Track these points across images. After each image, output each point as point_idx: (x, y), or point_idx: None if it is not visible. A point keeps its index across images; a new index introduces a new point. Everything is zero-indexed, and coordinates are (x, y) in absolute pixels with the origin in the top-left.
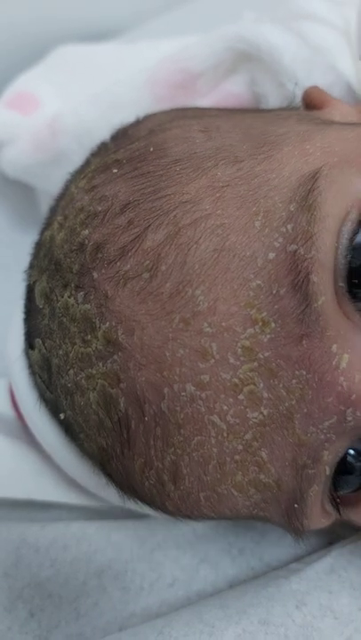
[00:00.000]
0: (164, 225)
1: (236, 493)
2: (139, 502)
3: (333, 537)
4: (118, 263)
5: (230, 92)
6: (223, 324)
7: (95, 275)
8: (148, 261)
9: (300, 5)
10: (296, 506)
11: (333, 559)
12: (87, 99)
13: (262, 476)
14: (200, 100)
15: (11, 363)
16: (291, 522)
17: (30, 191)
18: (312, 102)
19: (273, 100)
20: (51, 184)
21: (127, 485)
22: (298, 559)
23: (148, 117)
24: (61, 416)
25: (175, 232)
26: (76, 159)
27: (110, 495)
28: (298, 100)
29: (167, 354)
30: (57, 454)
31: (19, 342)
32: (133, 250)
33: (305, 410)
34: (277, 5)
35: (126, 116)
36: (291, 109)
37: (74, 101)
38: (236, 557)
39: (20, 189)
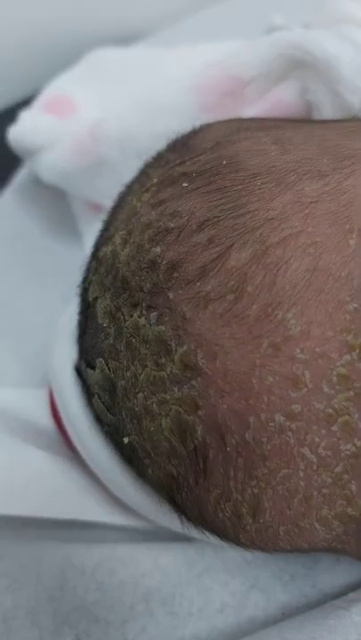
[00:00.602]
0: (250, 243)
1: (318, 527)
2: (205, 532)
3: None
4: (198, 283)
5: (280, 99)
6: (317, 349)
7: (171, 295)
8: (232, 282)
9: (338, 9)
10: None
11: None
12: (131, 105)
13: (349, 510)
14: (248, 108)
15: (57, 377)
16: None
17: (62, 197)
18: None
19: (327, 109)
20: (89, 190)
21: (196, 516)
22: (354, 588)
23: (206, 127)
24: (125, 440)
25: (263, 251)
26: (118, 167)
27: (166, 520)
28: (359, 110)
29: (254, 381)
30: (108, 476)
31: (67, 357)
32: (216, 270)
33: None
34: (310, 8)
35: (172, 123)
36: (357, 121)
37: (115, 106)
38: (288, 583)
39: (54, 195)
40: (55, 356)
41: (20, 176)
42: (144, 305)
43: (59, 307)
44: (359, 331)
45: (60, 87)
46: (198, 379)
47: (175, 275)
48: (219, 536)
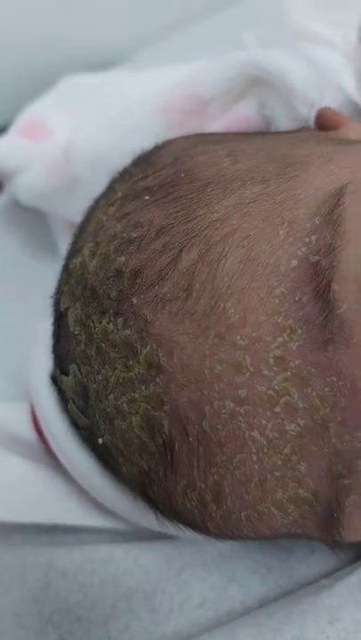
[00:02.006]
0: (197, 244)
1: (275, 511)
2: (178, 524)
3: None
4: (156, 287)
5: (241, 115)
6: (254, 334)
7: (135, 300)
8: (183, 281)
9: (302, 27)
10: (335, 515)
11: None
12: (100, 125)
13: (301, 491)
14: (211, 124)
15: (35, 388)
16: (329, 534)
17: (42, 217)
18: (327, 123)
19: (283, 122)
20: (65, 210)
21: (168, 508)
22: (327, 575)
23: (168, 143)
24: (100, 441)
25: (206, 250)
26: (91, 186)
27: (143, 518)
28: (311, 123)
29: (206, 371)
30: (86, 479)
31: (43, 368)
32: (170, 272)
33: (339, 418)
34: (277, 28)
35: (140, 142)
36: (307, 131)
37: (87, 129)
38: (265, 576)
39: (32, 215)
40: (33, 367)
41: (0, 199)
42: (111, 311)
43: (39, 322)
44: (288, 312)
45: (35, 112)
46: (161, 375)
47: (138, 281)
48: (190, 526)
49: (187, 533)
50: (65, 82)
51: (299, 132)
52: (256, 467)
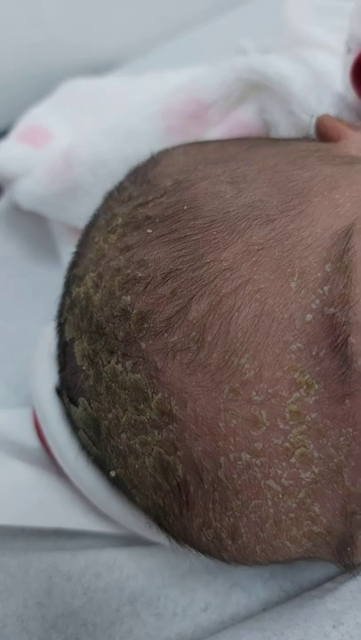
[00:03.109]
0: (207, 295)
1: (290, 545)
2: (192, 551)
3: None
4: (165, 335)
5: (240, 120)
6: (270, 390)
7: (143, 345)
8: (194, 333)
9: (300, 31)
10: (348, 549)
11: None
12: (101, 130)
13: (315, 528)
14: (211, 129)
15: (39, 399)
16: (342, 560)
17: (42, 222)
18: (327, 133)
19: (283, 127)
20: (66, 215)
21: (183, 538)
22: (330, 579)
23: (165, 157)
24: (112, 473)
25: (217, 302)
26: (92, 190)
27: (152, 535)
28: (311, 129)
29: (221, 425)
30: (94, 496)
31: (46, 378)
32: (179, 321)
33: (353, 464)
34: (275, 33)
35: (140, 147)
36: (308, 142)
37: (87, 133)
38: (268, 580)
39: (33, 220)
40: (35, 376)
41: (0, 204)
42: (120, 353)
43: (39, 328)
44: (305, 368)
45: (35, 118)
46: (174, 424)
47: (145, 325)
48: (204, 554)
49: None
50: (65, 87)
51: (300, 144)
52: (271, 510)
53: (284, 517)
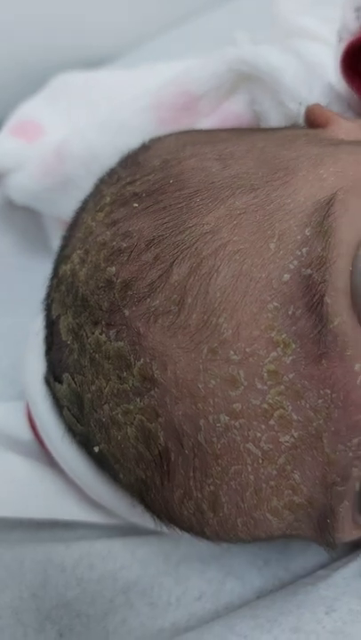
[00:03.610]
0: (188, 258)
1: (271, 517)
2: (175, 528)
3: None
4: (148, 300)
5: (232, 111)
6: (247, 349)
7: (126, 312)
8: (175, 295)
9: (294, 23)
10: (328, 521)
11: (360, 564)
12: (93, 124)
13: (295, 498)
14: (203, 121)
15: (30, 391)
16: (323, 536)
17: (36, 217)
18: (316, 120)
19: (273, 118)
20: (58, 209)
21: (165, 514)
22: (324, 566)
23: (156, 142)
24: (95, 449)
25: (198, 263)
26: (84, 185)
27: (140, 518)
28: (300, 119)
29: (200, 386)
30: (83, 481)
31: (37, 370)
32: (162, 285)
33: (332, 428)
34: (269, 24)
35: (133, 141)
36: (296, 128)
37: (79, 127)
38: (262, 568)
39: (27, 215)
40: (26, 368)
41: None
42: (104, 323)
43: (31, 321)
44: (281, 327)
45: (27, 112)
46: (156, 389)
47: (129, 293)
48: (187, 531)
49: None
50: (57, 80)
51: (288, 131)
52: (251, 477)
53: (264, 485)
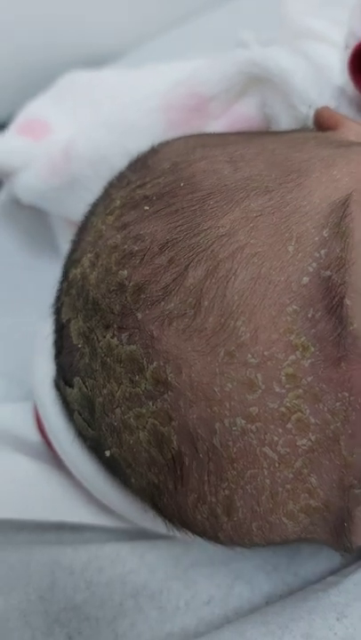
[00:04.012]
0: (204, 261)
1: (286, 521)
2: (187, 533)
3: None
4: (162, 303)
5: (242, 114)
6: (266, 352)
7: (139, 316)
8: (191, 299)
9: (302, 25)
10: (345, 524)
11: None
12: (101, 124)
13: (312, 502)
14: (213, 123)
15: (39, 394)
16: (340, 540)
17: (43, 215)
18: (325, 123)
19: (284, 121)
20: (65, 209)
21: (178, 519)
22: (334, 572)
23: (165, 145)
24: (107, 453)
25: (214, 266)
26: (91, 185)
27: (151, 523)
28: (310, 122)
29: (216, 389)
30: (92, 485)
31: (46, 373)
32: (177, 289)
33: (350, 431)
34: (273, 24)
35: (141, 142)
36: (306, 131)
37: (87, 127)
38: (271, 573)
39: (33, 214)
40: (35, 371)
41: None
42: (115, 326)
43: (39, 322)
44: (300, 330)
45: (34, 111)
46: (169, 392)
47: (142, 296)
48: (200, 536)
49: (196, 539)
50: (64, 79)
51: (298, 133)
52: (267, 481)
53: (280, 489)
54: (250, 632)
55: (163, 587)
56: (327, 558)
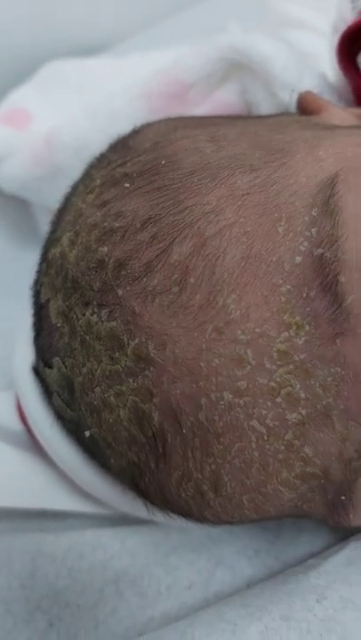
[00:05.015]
0: (190, 237)
1: (283, 489)
2: (170, 514)
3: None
4: (145, 279)
5: (223, 100)
6: (257, 330)
7: (120, 292)
8: (176, 275)
9: (286, 14)
10: (343, 498)
11: (351, 552)
12: (84, 113)
13: (308, 469)
14: (194, 110)
15: (19, 381)
16: (336, 514)
17: (27, 207)
18: (308, 107)
19: (264, 108)
20: (48, 199)
21: (160, 499)
22: (314, 555)
23: (146, 127)
24: (86, 433)
25: (201, 243)
26: (74, 174)
27: (130, 507)
28: (292, 108)
29: (202, 364)
30: (73, 471)
31: (26, 360)
32: (160, 265)
33: (342, 406)
34: (262, 15)
35: (124, 129)
36: (288, 115)
37: (70, 116)
38: (252, 558)
39: (17, 205)
40: (16, 358)
41: None
42: (95, 303)
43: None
44: (294, 309)
45: (16, 100)
46: (151, 368)
47: (123, 272)
48: (184, 516)
49: (177, 521)
50: (47, 68)
51: (280, 117)
52: (256, 453)
53: (271, 460)
54: (229, 614)
55: (144, 572)
56: (308, 542)
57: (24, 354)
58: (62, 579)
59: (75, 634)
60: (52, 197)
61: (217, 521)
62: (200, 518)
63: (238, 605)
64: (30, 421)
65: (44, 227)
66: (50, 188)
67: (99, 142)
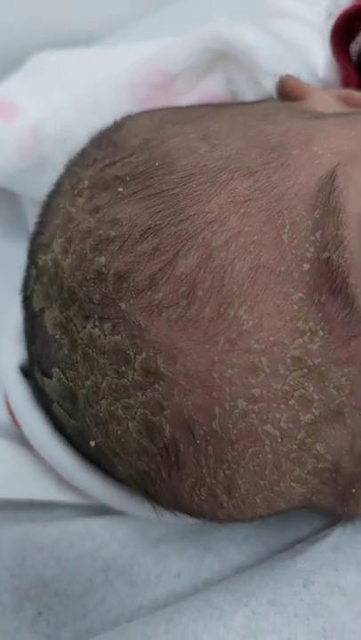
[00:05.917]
0: (195, 249)
1: (295, 485)
2: (179, 515)
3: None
4: (149, 292)
5: (208, 91)
6: (271, 338)
7: (123, 306)
8: (183, 288)
9: (274, 5)
10: (353, 490)
11: (337, 537)
12: (69, 104)
13: (320, 464)
14: (180, 100)
15: (7, 378)
16: (346, 505)
17: (14, 199)
18: (291, 93)
19: (249, 97)
20: (34, 190)
21: (172, 503)
22: (301, 541)
23: (128, 120)
24: (92, 444)
25: (208, 255)
26: (61, 165)
27: (135, 509)
28: (273, 92)
29: (215, 375)
30: (63, 469)
31: (14, 357)
32: (165, 278)
33: (354, 403)
34: (251, 8)
35: (109, 120)
36: (274, 101)
37: (56, 107)
38: (241, 545)
39: (4, 197)
40: (3, 354)
41: None
42: (96, 316)
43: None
44: (307, 316)
45: (3, 92)
46: (161, 382)
47: (124, 285)
48: (195, 517)
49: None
50: (33, 60)
51: (266, 103)
52: (270, 456)
53: (284, 460)
54: (216, 600)
55: (133, 561)
56: (296, 528)
57: (11, 350)
58: (51, 568)
59: (64, 622)
60: (39, 188)
61: (228, 520)
62: (212, 518)
63: (226, 591)
64: (18, 417)
65: (32, 219)
66: (37, 179)
67: (84, 133)
